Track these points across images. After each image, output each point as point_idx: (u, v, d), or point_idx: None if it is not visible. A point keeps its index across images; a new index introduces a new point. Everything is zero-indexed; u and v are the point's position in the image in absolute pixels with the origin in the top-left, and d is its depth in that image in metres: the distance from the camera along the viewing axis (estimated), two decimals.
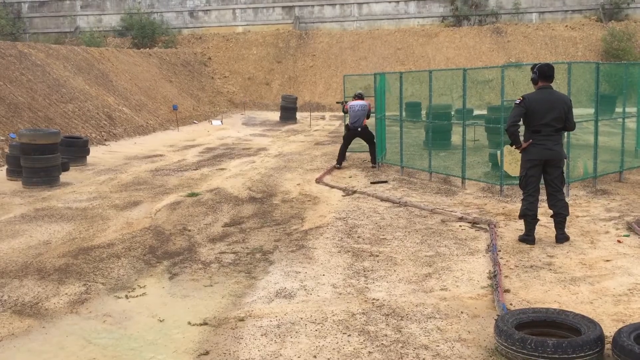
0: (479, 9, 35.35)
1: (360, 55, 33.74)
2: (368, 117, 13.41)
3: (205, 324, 4.89)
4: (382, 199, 9.73)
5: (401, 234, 7.55)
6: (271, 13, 37.19)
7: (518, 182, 7.27)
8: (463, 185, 10.64)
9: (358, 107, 13.31)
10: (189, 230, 8.06)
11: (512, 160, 11.03)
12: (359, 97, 13.84)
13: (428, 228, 7.81)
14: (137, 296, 5.62)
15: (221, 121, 25.25)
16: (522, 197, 7.09)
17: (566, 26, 33.89)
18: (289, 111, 26.03)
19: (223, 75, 33.93)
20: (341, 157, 13.56)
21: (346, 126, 13.80)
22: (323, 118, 28.22)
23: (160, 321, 5.00)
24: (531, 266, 6.11)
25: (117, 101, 21.80)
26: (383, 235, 7.53)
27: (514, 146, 7.17)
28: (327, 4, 36.57)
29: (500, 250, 6.65)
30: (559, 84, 10.98)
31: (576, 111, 16.28)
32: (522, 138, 7.04)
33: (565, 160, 7.06)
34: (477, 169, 12.36)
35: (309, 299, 5.32)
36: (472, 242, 7.11)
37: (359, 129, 13.30)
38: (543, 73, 6.84)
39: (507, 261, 6.29)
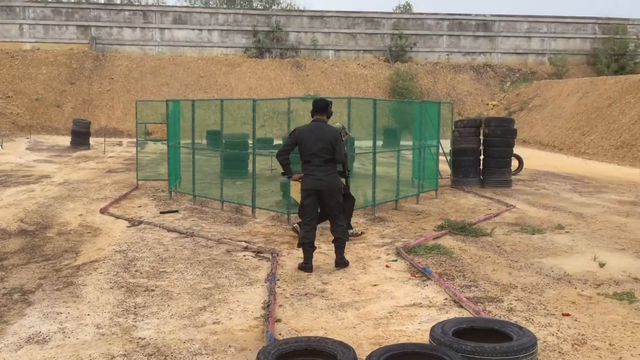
0: (280, 42, 36.67)
1: (162, 81, 32.97)
2: None
3: None
4: (169, 230, 9.41)
5: (183, 266, 7.32)
6: (64, 31, 34.88)
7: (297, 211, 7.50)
8: (253, 214, 10.72)
9: None
10: None
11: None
12: None
13: (212, 259, 7.68)
14: None
15: (1, 145, 22.83)
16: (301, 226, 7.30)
17: (358, 64, 36.53)
18: (81, 136, 24.39)
19: (6, 95, 30.87)
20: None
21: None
22: (120, 144, 26.93)
23: None
24: (306, 294, 6.26)
25: None
26: (163, 267, 7.23)
27: (285, 175, 7.42)
28: (127, 27, 35.32)
29: (279, 279, 6.73)
30: (353, 116, 11.66)
31: (364, 143, 17.27)
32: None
33: (340, 189, 7.30)
34: (270, 198, 12.58)
35: (66, 343, 4.85)
36: (254, 271, 7.12)
37: None
38: (315, 107, 7.25)
39: (283, 290, 6.38)
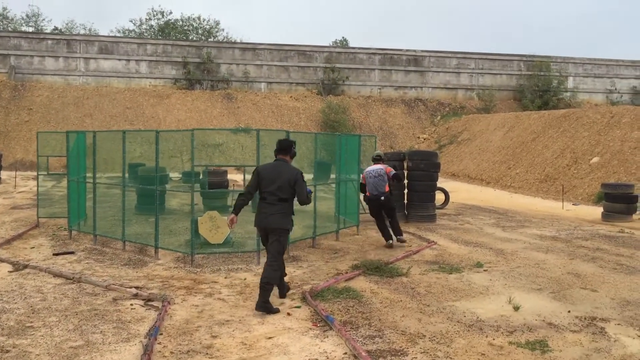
0: (210, 74, 36.01)
1: (85, 112, 31.62)
2: (394, 180, 11.56)
3: None
4: (55, 275, 8.45)
5: (56, 319, 6.43)
6: None
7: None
8: (156, 255, 9.88)
9: (374, 173, 11.33)
10: None
11: (212, 227, 10.66)
12: (377, 159, 11.93)
13: (93, 309, 6.81)
14: None
15: None
16: None
17: (291, 97, 36.24)
18: None
19: None
20: (385, 233, 11.19)
21: (365, 197, 11.62)
22: (35, 178, 25.35)
23: None
24: (188, 351, 5.51)
25: None
26: (32, 322, 6.31)
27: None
28: (50, 56, 33.89)
29: (162, 333, 5.95)
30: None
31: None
32: None
33: (286, 230, 7.08)
34: (182, 236, 11.78)
35: None
36: (136, 324, 6.30)
37: (382, 198, 11.14)
38: (279, 146, 7.35)
39: (164, 347, 5.61)
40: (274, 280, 6.89)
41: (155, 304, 7.08)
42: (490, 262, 9.74)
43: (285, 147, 7.31)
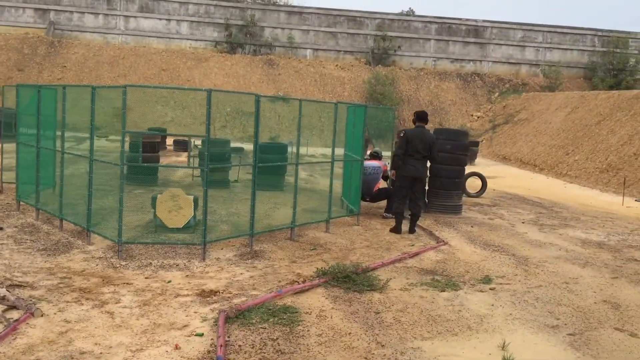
0: (253, 38, 34.14)
1: (119, 72, 30.45)
2: (385, 178, 11.78)
3: None
4: None
5: None
6: (21, 14, 32.43)
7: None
8: (88, 239, 8.13)
9: (370, 170, 11.25)
10: None
11: (172, 208, 8.83)
12: (375, 156, 11.81)
13: None
14: None
15: None
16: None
17: (337, 65, 33.96)
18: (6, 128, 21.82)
19: None
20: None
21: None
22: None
23: None
24: None
25: None
26: None
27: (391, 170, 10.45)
28: (89, 12, 32.83)
29: None
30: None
31: (320, 150, 14.84)
32: None
33: (426, 176, 10.15)
34: (143, 215, 10.00)
35: None
36: None
37: (367, 199, 11.30)
38: (418, 116, 9.79)
39: None
40: (420, 213, 9.79)
41: (17, 314, 5.30)
42: (504, 275, 7.50)
43: (424, 117, 9.74)
